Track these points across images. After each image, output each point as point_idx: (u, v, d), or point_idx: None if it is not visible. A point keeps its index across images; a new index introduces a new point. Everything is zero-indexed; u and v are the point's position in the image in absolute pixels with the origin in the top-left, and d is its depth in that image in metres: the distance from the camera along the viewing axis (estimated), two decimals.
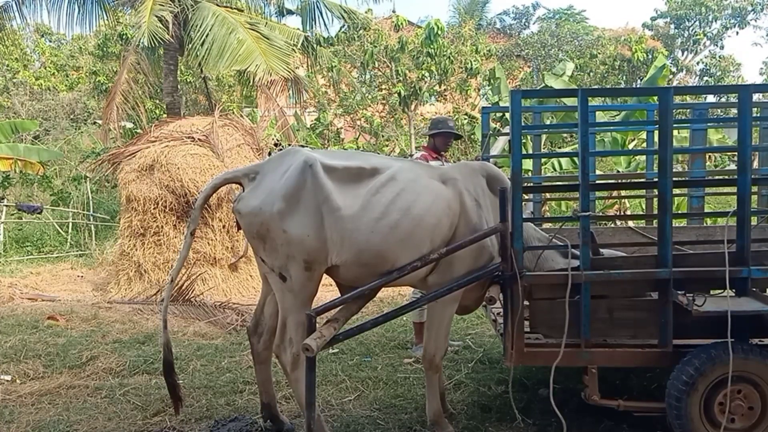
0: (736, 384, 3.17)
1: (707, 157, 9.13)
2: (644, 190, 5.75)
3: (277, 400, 4.07)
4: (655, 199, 4.00)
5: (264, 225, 3.38)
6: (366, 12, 17.09)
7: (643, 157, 7.31)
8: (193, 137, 8.94)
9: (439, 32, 15.60)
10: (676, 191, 4.26)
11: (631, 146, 10.47)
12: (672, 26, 25.01)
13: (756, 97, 3.84)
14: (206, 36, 11.88)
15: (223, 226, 8.53)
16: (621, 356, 3.43)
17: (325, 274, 3.55)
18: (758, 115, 4.50)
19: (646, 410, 3.48)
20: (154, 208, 8.35)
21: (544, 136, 10.16)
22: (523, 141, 4.64)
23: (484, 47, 17.06)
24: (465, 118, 16.72)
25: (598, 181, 5.47)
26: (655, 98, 3.92)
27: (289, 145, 11.16)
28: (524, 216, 3.55)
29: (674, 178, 3.37)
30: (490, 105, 13.12)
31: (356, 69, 17.77)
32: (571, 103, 8.05)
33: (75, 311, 7.18)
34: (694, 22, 24.40)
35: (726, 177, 4.84)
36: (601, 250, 3.63)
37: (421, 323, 5.04)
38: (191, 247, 4.45)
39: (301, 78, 14.35)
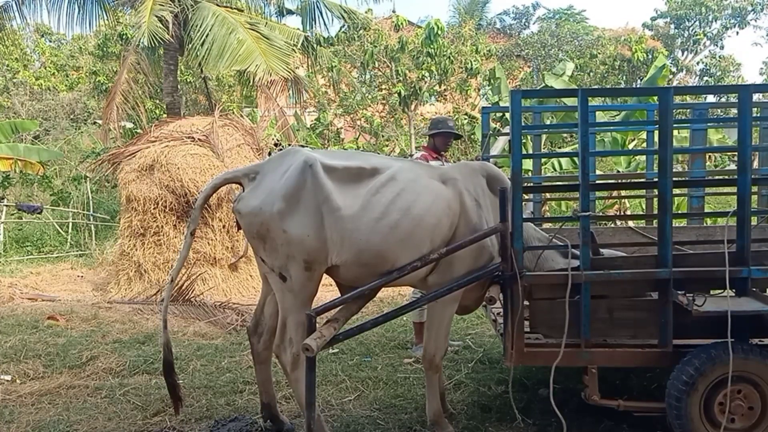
0: (736, 384, 3.17)
1: (707, 157, 9.13)
2: (644, 190, 5.75)
3: (277, 400, 4.07)
4: (655, 199, 4.00)
5: (264, 225, 3.38)
6: (366, 12, 17.10)
7: (643, 157, 7.31)
8: (193, 137, 8.94)
9: (439, 32, 15.60)
10: (676, 191, 4.26)
11: (631, 146, 10.47)
12: (672, 26, 25.01)
13: (756, 97, 3.84)
14: (206, 36, 11.88)
15: (223, 226, 8.54)
16: (621, 356, 3.43)
17: (325, 274, 3.55)
18: (758, 115, 4.50)
19: (646, 410, 3.48)
20: (154, 208, 8.35)
21: (544, 136, 10.16)
22: (523, 141, 4.63)
23: (484, 47, 17.06)
24: (465, 118, 16.72)
25: (598, 181, 5.47)
26: (655, 98, 3.92)
27: (289, 145, 11.16)
28: (524, 216, 3.55)
29: (674, 178, 3.37)
30: (490, 105, 13.13)
31: (356, 69, 17.77)
32: (571, 103, 8.05)
33: (75, 311, 7.18)
34: (694, 22, 24.40)
35: (726, 177, 4.84)
36: (601, 250, 3.63)
37: (421, 323, 5.04)
38: (191, 247, 4.45)
39: (301, 78, 14.35)
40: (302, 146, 9.53)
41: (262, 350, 3.84)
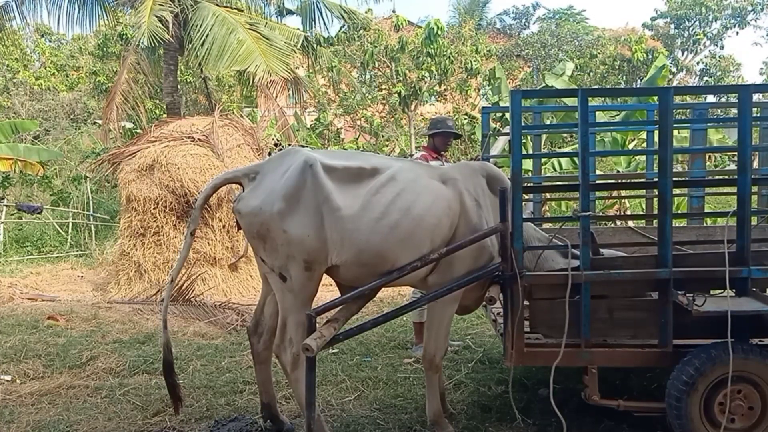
0: (736, 384, 3.17)
1: (707, 157, 9.13)
2: (644, 190, 5.75)
3: (277, 400, 4.07)
4: (655, 199, 4.00)
5: (264, 225, 3.38)
6: (366, 12, 17.10)
7: (643, 157, 7.31)
8: (193, 137, 8.94)
9: (439, 32, 15.60)
10: (676, 191, 4.26)
11: (631, 146, 10.47)
12: (672, 26, 25.01)
13: (756, 97, 3.84)
14: (206, 36, 11.88)
15: (223, 226, 8.54)
16: (621, 356, 3.43)
17: (325, 274, 3.55)
18: (758, 115, 4.49)
19: (646, 410, 3.48)
20: (154, 208, 8.35)
21: (544, 136, 10.16)
22: (523, 141, 4.63)
23: (484, 47, 17.06)
24: (465, 118, 16.72)
25: (598, 181, 5.47)
26: (655, 98, 3.92)
27: (289, 145, 11.17)
28: (524, 216, 3.55)
29: (674, 178, 3.37)
30: (490, 105, 13.13)
31: (356, 69, 17.77)
32: (571, 103, 8.05)
33: (75, 311, 7.18)
34: (694, 22, 24.40)
35: (726, 177, 4.84)
36: (601, 250, 3.63)
37: (421, 323, 5.04)
38: (191, 247, 4.45)
39: (301, 78, 14.35)
40: (302, 146, 9.54)
41: (262, 350, 3.84)
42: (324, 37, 16.60)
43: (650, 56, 18.94)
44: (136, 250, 8.41)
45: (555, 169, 10.46)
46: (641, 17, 58.13)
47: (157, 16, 11.58)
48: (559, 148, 13.97)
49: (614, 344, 3.46)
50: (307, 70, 17.28)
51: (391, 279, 3.45)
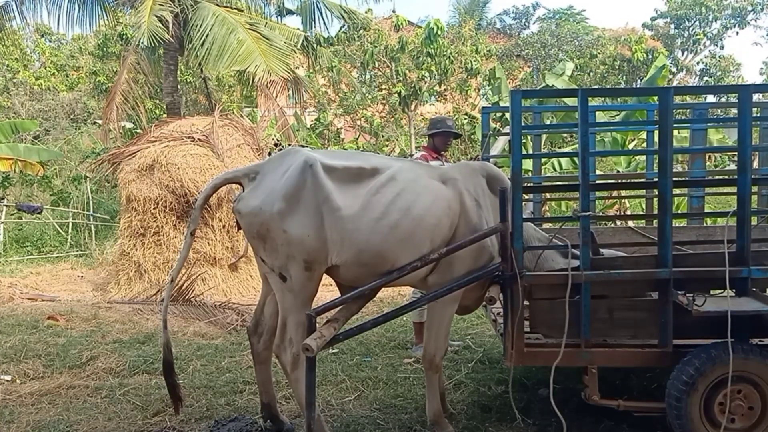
0: (736, 384, 3.17)
1: (707, 157, 9.13)
2: (644, 190, 5.75)
3: (277, 400, 4.07)
4: (655, 199, 4.00)
5: (264, 225, 3.38)
6: (366, 12, 17.10)
7: (643, 157, 7.31)
8: (193, 137, 8.94)
9: (439, 32, 15.60)
10: (676, 191, 4.26)
11: (631, 146, 10.47)
12: (672, 26, 25.01)
13: (756, 97, 3.84)
14: (206, 36, 11.89)
15: (223, 226, 8.53)
16: (621, 356, 3.43)
17: (325, 274, 3.55)
18: (758, 115, 4.49)
19: (646, 410, 3.48)
20: (154, 208, 8.35)
21: (544, 136, 10.16)
22: (523, 141, 4.63)
23: (484, 47, 17.06)
24: (465, 118, 16.72)
25: (598, 181, 5.47)
26: (655, 98, 3.92)
27: (289, 145, 11.16)
28: (524, 216, 3.55)
29: (674, 178, 3.37)
30: (490, 105, 13.12)
31: (356, 69, 17.77)
32: (571, 103, 8.05)
33: (75, 311, 7.18)
34: (694, 22, 24.40)
35: (726, 177, 4.84)
36: (601, 250, 3.63)
37: (421, 323, 5.04)
38: (191, 247, 4.45)
39: (301, 78, 14.35)
40: (302, 146, 9.54)
41: (262, 350, 3.84)
42: (324, 37, 16.60)
43: (650, 56, 18.95)
44: (136, 250, 8.41)
45: (555, 169, 10.46)
46: (641, 17, 58.19)
47: (157, 16, 11.58)
48: (559, 148, 13.97)
49: (614, 344, 3.46)
50: (307, 70, 17.28)
51: (391, 279, 3.45)
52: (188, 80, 18.93)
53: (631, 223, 4.96)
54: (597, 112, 5.96)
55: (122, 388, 4.63)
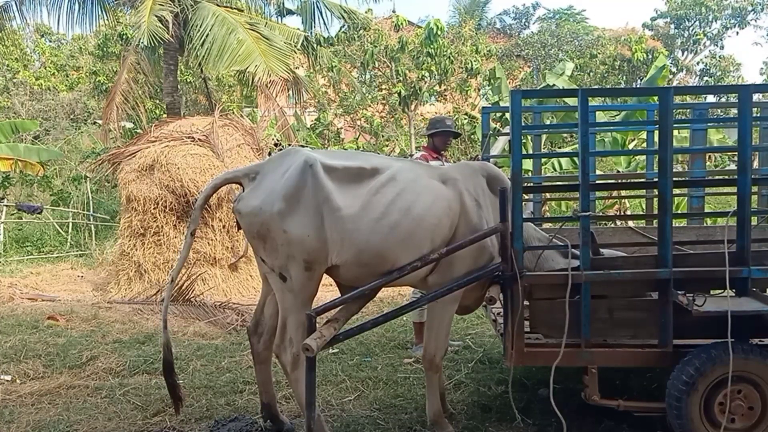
0: (736, 384, 3.16)
1: (707, 157, 9.13)
2: (644, 190, 5.75)
3: (277, 400, 4.07)
4: (655, 199, 4.00)
5: (264, 225, 3.38)
6: (366, 12, 17.10)
7: (643, 157, 7.31)
8: (193, 137, 8.94)
9: (439, 32, 15.60)
10: (676, 191, 4.26)
11: (631, 146, 10.47)
12: (672, 26, 25.01)
13: (756, 97, 3.85)
14: (206, 36, 11.89)
15: (223, 226, 8.53)
16: (621, 356, 3.43)
17: (325, 274, 3.55)
18: (758, 115, 4.49)
19: (646, 410, 3.48)
20: (154, 208, 8.35)
21: (544, 136, 10.16)
22: (523, 141, 4.63)
23: (484, 47, 17.06)
24: (465, 118, 16.72)
25: (598, 181, 5.47)
26: (655, 98, 3.92)
27: (289, 145, 11.17)
28: (524, 216, 3.55)
29: (674, 178, 3.36)
30: (490, 105, 13.12)
31: (356, 69, 17.77)
32: (571, 103, 8.05)
33: (75, 311, 7.18)
34: (694, 22, 24.40)
35: (726, 177, 4.84)
36: (601, 250, 3.63)
37: (421, 323, 5.04)
38: (191, 247, 4.45)
39: (301, 78, 14.35)
40: (302, 146, 9.55)
41: (262, 350, 3.84)
42: (324, 37, 16.59)
43: (650, 56, 18.95)
44: (136, 250, 8.41)
45: (555, 169, 10.45)
46: (641, 17, 58.17)
47: (157, 16, 11.58)
48: (559, 148, 13.97)
49: (614, 344, 3.46)
50: (307, 70, 17.28)
51: (391, 279, 3.45)
52: (188, 80, 18.93)
53: (631, 223, 4.96)
54: (597, 112, 5.96)
55: (122, 388, 4.63)
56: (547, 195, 5.77)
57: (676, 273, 3.28)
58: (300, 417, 3.81)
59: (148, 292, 7.94)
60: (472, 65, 16.12)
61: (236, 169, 3.76)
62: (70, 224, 13.26)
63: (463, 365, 4.99)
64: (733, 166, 8.44)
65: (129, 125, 17.34)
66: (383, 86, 17.53)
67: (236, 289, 8.42)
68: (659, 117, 3.32)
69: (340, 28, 17.19)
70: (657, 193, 3.50)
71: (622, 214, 9.86)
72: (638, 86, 17.00)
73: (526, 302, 3.49)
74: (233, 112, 12.94)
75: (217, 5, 12.87)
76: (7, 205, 13.08)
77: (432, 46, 15.64)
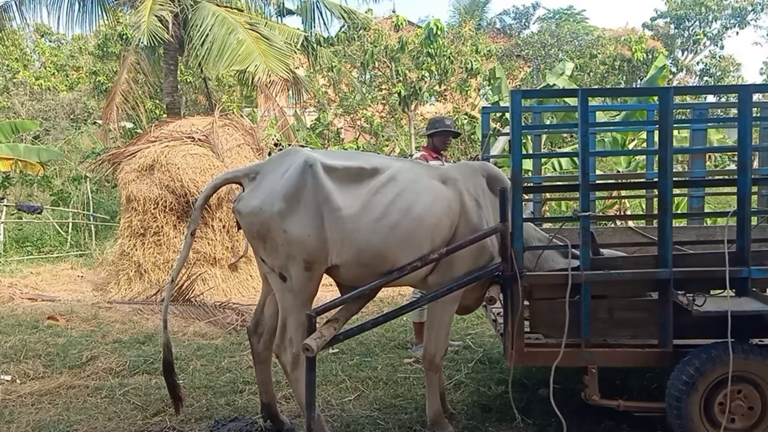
0: (736, 384, 3.16)
1: (707, 157, 9.13)
2: (644, 190, 5.75)
3: (277, 400, 4.07)
4: (655, 199, 4.00)
5: (264, 225, 3.38)
6: (366, 12, 17.10)
7: (643, 157, 7.31)
8: (193, 137, 8.94)
9: (439, 32, 15.59)
10: (676, 191, 4.26)
11: (631, 146, 10.47)
12: (672, 26, 25.02)
13: (756, 97, 3.85)
14: (206, 36, 11.88)
15: (223, 226, 8.53)
16: (621, 356, 3.43)
17: (325, 274, 3.55)
18: (758, 115, 4.49)
19: (646, 410, 3.48)
20: (154, 208, 8.35)
21: (544, 136, 10.16)
22: (523, 141, 4.63)
23: (484, 47, 17.06)
24: (465, 118, 16.72)
25: (598, 181, 5.47)
26: (655, 98, 3.92)
27: (289, 145, 11.17)
28: (524, 216, 3.55)
29: (674, 178, 3.36)
30: (490, 105, 13.12)
31: (356, 69, 17.77)
32: (571, 103, 8.05)
33: (75, 311, 7.18)
34: (694, 22, 24.41)
35: (726, 177, 4.84)
36: (601, 250, 3.63)
37: (421, 323, 5.04)
38: (191, 247, 4.45)
39: (301, 78, 14.35)
40: (302, 146, 9.55)
41: (262, 350, 3.84)
42: (324, 37, 16.59)
43: (650, 56, 18.95)
44: (136, 250, 8.41)
45: (555, 169, 10.45)
46: (641, 17, 58.14)
47: (156, 16, 11.58)
48: (559, 148, 13.97)
49: (614, 344, 3.46)
50: (307, 70, 17.28)
51: (391, 279, 3.45)
52: (188, 80, 18.93)
53: (631, 223, 4.96)
54: (597, 112, 5.96)
55: (122, 388, 4.63)
56: (547, 195, 5.77)
57: (676, 273, 3.28)
58: (300, 417, 3.81)
59: (148, 292, 7.94)
60: (472, 65, 16.12)
61: (236, 169, 3.76)
62: (70, 224, 13.26)
63: (463, 365, 4.99)
64: (733, 166, 8.44)
65: (129, 125, 17.34)
66: (383, 86, 17.53)
67: (236, 289, 8.42)
68: (659, 117, 3.32)
69: (340, 28, 17.19)
70: (657, 193, 3.50)
71: (622, 214, 9.86)
72: (638, 86, 17.00)
73: (526, 302, 3.49)
74: (233, 112, 12.93)
75: (217, 5, 12.87)
76: (7, 205, 13.08)
77: (432, 46, 15.64)
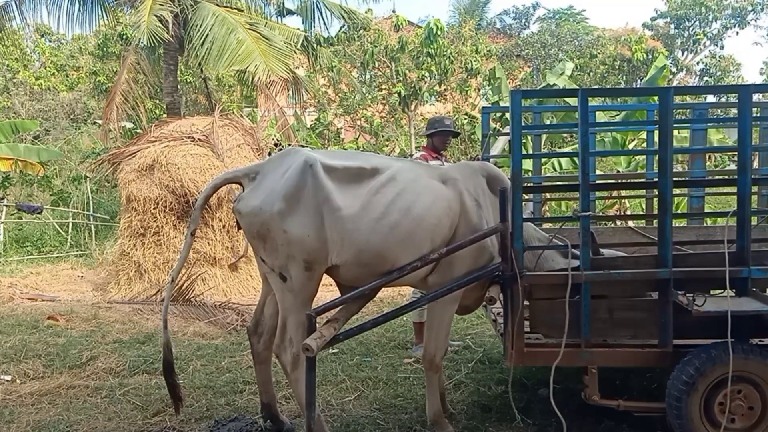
0: (736, 384, 3.17)
1: (707, 157, 9.13)
2: (644, 190, 5.75)
3: (277, 400, 4.07)
4: (655, 199, 4.00)
5: (264, 225, 3.38)
6: (366, 12, 17.11)
7: (643, 157, 7.31)
8: (193, 137, 8.94)
9: (439, 32, 15.60)
10: (676, 191, 4.26)
11: (631, 146, 10.47)
12: (672, 26, 25.03)
13: (756, 97, 3.85)
14: (206, 36, 11.88)
15: (223, 226, 8.53)
16: (621, 356, 3.43)
17: (325, 274, 3.55)
18: (758, 115, 4.49)
19: (646, 410, 3.48)
20: (154, 208, 8.35)
21: (544, 136, 10.16)
22: (523, 141, 4.63)
23: (484, 47, 17.06)
24: (465, 118, 16.72)
25: (598, 181, 5.47)
26: (655, 98, 3.92)
27: (289, 145, 11.17)
28: (524, 216, 3.55)
29: (674, 178, 3.36)
30: (490, 105, 13.12)
31: (356, 69, 17.77)
32: (571, 103, 8.05)
33: (75, 311, 7.18)
34: (694, 22, 24.42)
35: (726, 177, 4.84)
36: (601, 250, 3.63)
37: (421, 323, 5.04)
38: (191, 247, 4.45)
39: (301, 78, 14.35)
40: (302, 146, 9.55)
41: (262, 350, 3.84)
42: (324, 37, 16.59)
43: (650, 56, 18.95)
44: (136, 250, 8.41)
45: (555, 169, 10.45)
46: (641, 17, 58.14)
47: (156, 16, 11.58)
48: (559, 148, 13.97)
49: (614, 344, 3.46)
50: (307, 70, 17.28)
51: (391, 279, 3.45)
52: (188, 80, 18.94)
53: (631, 223, 4.96)
54: (597, 112, 5.96)
55: (122, 388, 4.63)
56: (547, 195, 5.77)
57: (676, 273, 3.28)
58: (300, 417, 3.81)
59: (148, 292, 7.94)
60: (472, 65, 16.12)
61: (236, 169, 3.76)
62: (70, 224, 13.26)
63: (463, 365, 4.99)
64: (733, 166, 8.44)
65: (129, 125, 17.34)
66: (383, 86, 17.53)
67: (236, 289, 8.42)
68: (659, 117, 3.32)
69: (340, 28, 17.19)
70: (657, 193, 3.50)
71: (622, 214, 9.86)
72: (638, 86, 17.00)
73: (526, 302, 3.49)
74: (233, 112, 12.93)
75: (217, 5, 12.87)
76: (7, 205, 13.08)
77: (432, 46, 15.64)
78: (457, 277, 3.48)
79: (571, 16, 26.28)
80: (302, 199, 3.36)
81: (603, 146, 9.64)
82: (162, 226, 8.36)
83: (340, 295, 3.61)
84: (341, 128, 19.10)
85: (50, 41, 24.89)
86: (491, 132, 5.48)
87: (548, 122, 8.70)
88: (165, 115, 13.72)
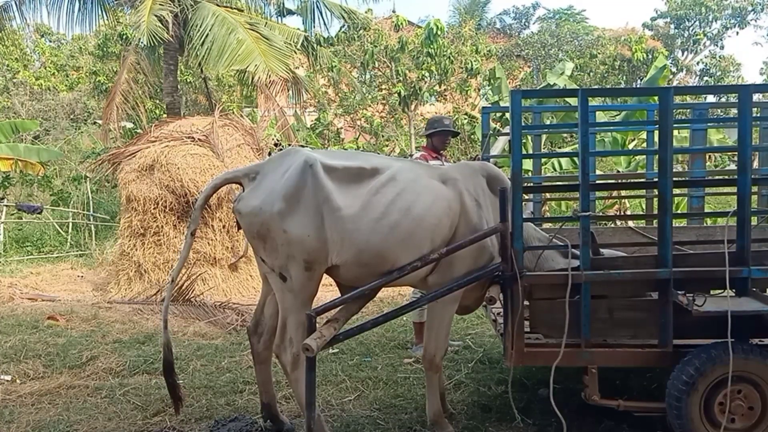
0: (736, 384, 3.17)
1: (707, 157, 9.13)
2: (644, 190, 5.75)
3: (277, 400, 4.07)
4: (655, 199, 4.00)
5: (264, 225, 3.38)
6: (366, 12, 17.11)
7: (643, 157, 7.31)
8: (193, 137, 8.94)
9: (439, 32, 15.60)
10: (676, 191, 4.25)
11: (631, 146, 10.47)
12: (672, 26, 25.03)
13: (756, 97, 3.84)
14: (206, 36, 11.88)
15: (223, 226, 8.53)
16: (621, 356, 3.43)
17: (325, 274, 3.55)
18: (758, 115, 4.49)
19: (646, 410, 3.48)
20: (154, 208, 8.35)
21: (544, 136, 10.16)
22: (523, 141, 4.63)
23: (484, 47, 17.06)
24: (465, 118, 16.72)
25: (598, 181, 5.47)
26: (655, 98, 3.92)
27: (289, 145, 11.17)
28: (524, 216, 3.55)
29: (674, 178, 3.36)
30: (490, 105, 13.12)
31: (356, 69, 17.77)
32: (571, 103, 8.05)
33: (75, 311, 7.18)
34: (694, 22, 24.42)
35: (726, 177, 4.84)
36: (601, 250, 3.63)
37: (421, 323, 5.04)
38: (191, 247, 4.45)
39: (301, 78, 14.35)
40: (302, 146, 9.55)
41: (262, 350, 3.84)
42: (324, 37, 16.60)
43: (650, 56, 18.95)
44: (136, 250, 8.41)
45: (555, 169, 10.45)
46: (641, 17, 58.16)
47: (156, 16, 11.58)
48: (559, 148, 13.97)
49: (614, 344, 3.46)
50: (307, 70, 17.28)
51: (391, 279, 3.45)
52: (188, 80, 18.94)
53: (631, 223, 4.95)
54: (597, 112, 5.96)
55: (122, 388, 4.63)
56: (547, 195, 5.77)
57: (676, 273, 3.28)
58: (300, 417, 3.81)
59: (148, 292, 7.94)
60: (472, 65, 16.12)
61: (236, 169, 3.76)
62: (70, 224, 13.26)
63: (463, 365, 4.99)
64: (733, 166, 8.44)
65: (129, 125, 17.34)
66: (383, 86, 17.53)
67: (236, 289, 8.42)
68: (659, 117, 3.32)
69: (340, 28, 17.20)
70: (657, 193, 3.50)
71: (622, 214, 9.86)
72: (638, 86, 17.01)
73: (526, 302, 3.49)
74: (233, 112, 12.94)
75: (217, 5, 12.87)
76: (7, 205, 13.08)
77: (432, 46, 15.64)
78: (457, 277, 3.48)
79: (571, 16, 26.28)
80: (302, 199, 3.36)
81: (603, 146, 9.64)
82: (162, 226, 8.36)
83: (340, 295, 3.61)
84: (341, 128, 19.10)
85: (50, 41, 24.90)
86: (491, 132, 5.48)
87: (548, 122, 8.69)
88: (165, 115, 13.72)
